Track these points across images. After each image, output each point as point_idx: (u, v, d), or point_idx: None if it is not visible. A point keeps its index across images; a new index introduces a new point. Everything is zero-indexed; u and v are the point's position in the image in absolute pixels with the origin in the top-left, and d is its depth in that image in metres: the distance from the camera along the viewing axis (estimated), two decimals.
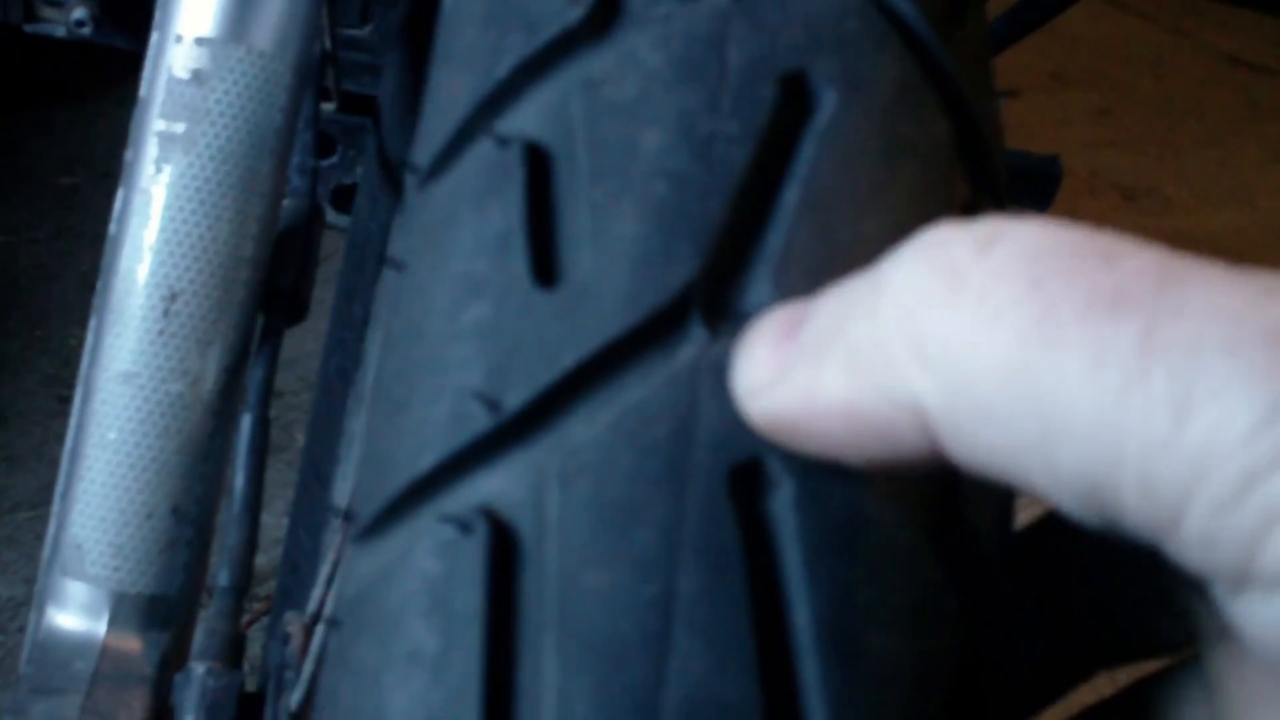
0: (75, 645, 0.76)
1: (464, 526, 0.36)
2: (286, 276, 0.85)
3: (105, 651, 0.77)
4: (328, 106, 1.27)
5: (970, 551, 0.38)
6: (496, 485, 0.36)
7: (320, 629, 0.79)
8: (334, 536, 1.15)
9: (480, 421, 0.37)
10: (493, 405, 0.37)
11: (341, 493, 1.18)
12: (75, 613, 0.77)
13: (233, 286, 0.78)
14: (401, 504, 0.37)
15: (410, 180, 0.44)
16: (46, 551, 0.79)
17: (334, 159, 1.42)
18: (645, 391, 0.36)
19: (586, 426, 0.36)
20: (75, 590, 0.77)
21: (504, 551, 0.35)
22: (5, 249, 2.30)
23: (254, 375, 0.83)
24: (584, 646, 0.34)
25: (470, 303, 0.38)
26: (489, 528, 0.36)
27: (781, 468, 0.36)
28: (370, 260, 1.16)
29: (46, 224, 2.33)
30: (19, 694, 0.73)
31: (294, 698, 0.75)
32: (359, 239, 1.18)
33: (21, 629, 1.64)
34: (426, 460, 0.37)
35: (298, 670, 0.78)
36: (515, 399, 0.37)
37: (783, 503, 0.36)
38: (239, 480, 0.83)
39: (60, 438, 0.81)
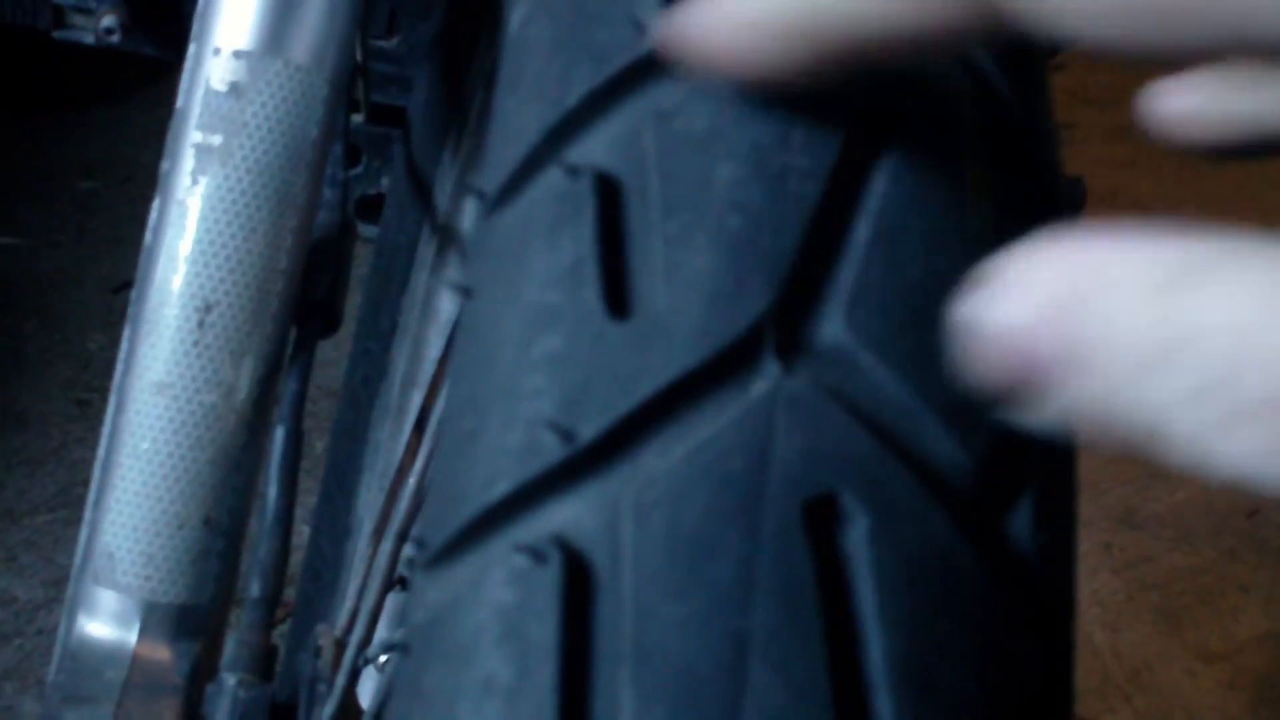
0: (106, 654, 0.77)
1: (538, 556, 0.36)
2: (320, 288, 0.86)
3: (136, 661, 0.77)
4: (356, 118, 1.28)
5: (1036, 586, 0.38)
6: (570, 516, 0.37)
7: (352, 642, 0.79)
8: (358, 548, 1.15)
9: (554, 451, 0.37)
10: (566, 435, 0.37)
11: (365, 503, 1.19)
12: (106, 621, 0.77)
13: (267, 298, 0.78)
14: (473, 532, 0.38)
15: (478, 207, 0.44)
16: (78, 560, 0.79)
17: (359, 169, 1.42)
18: (719, 424, 0.36)
19: (661, 459, 0.36)
20: (106, 599, 0.77)
21: (578, 582, 0.36)
22: (25, 253, 2.30)
23: (287, 387, 0.84)
24: (659, 679, 0.34)
25: (542, 333, 0.39)
26: (563, 558, 0.36)
27: (856, 502, 0.36)
28: (398, 271, 1.17)
29: (67, 228, 2.34)
30: (50, 702, 0.73)
31: (326, 711, 0.75)
32: (386, 250, 1.18)
33: (40, 632, 1.64)
34: (499, 489, 0.37)
35: (330, 683, 0.78)
36: (589, 429, 0.37)
37: (857, 537, 0.36)
38: (271, 492, 0.83)
39: (79, 441, 0.81)
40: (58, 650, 0.79)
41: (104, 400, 0.79)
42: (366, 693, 0.90)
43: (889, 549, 0.36)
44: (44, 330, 2.13)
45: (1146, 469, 2.16)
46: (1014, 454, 0.39)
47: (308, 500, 1.24)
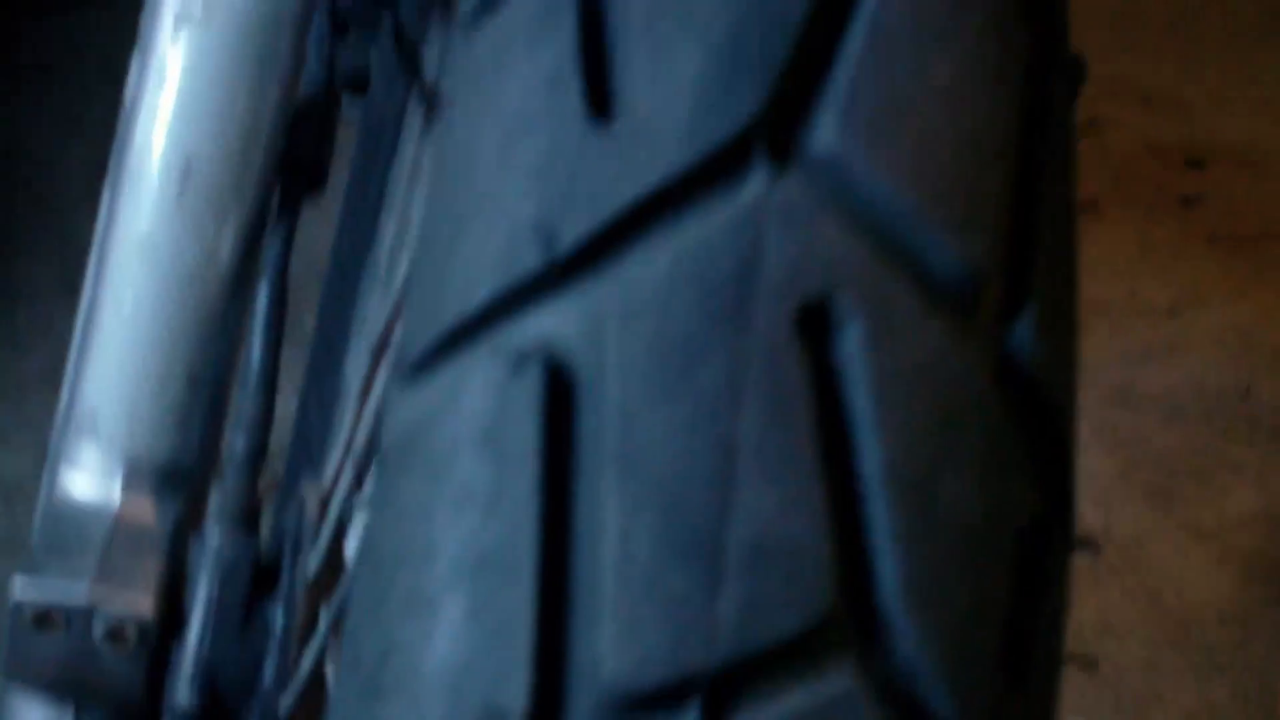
0: (89, 509, 0.76)
1: (518, 364, 0.35)
2: (305, 146, 0.84)
3: (119, 516, 0.76)
4: None
5: (1037, 398, 0.37)
6: (552, 323, 0.35)
7: (337, 498, 0.78)
8: (346, 413, 1.14)
9: (535, 257, 0.36)
10: (548, 241, 0.35)
11: (353, 371, 1.18)
12: (89, 477, 0.76)
13: (251, 155, 0.76)
14: (452, 341, 0.36)
15: (459, 20, 0.42)
16: (60, 415, 0.78)
17: (345, 40, 1.40)
18: (707, 230, 0.35)
19: (646, 265, 0.35)
20: (89, 455, 0.76)
21: (560, 389, 0.34)
22: (10, 129, 2.27)
23: (271, 245, 0.82)
24: (645, 486, 0.33)
25: (523, 138, 0.37)
26: (544, 365, 0.35)
27: (850, 308, 0.35)
28: (385, 140, 1.15)
29: (53, 106, 2.31)
30: (32, 555, 0.72)
31: (311, 564, 0.74)
32: (373, 120, 1.16)
33: (28, 508, 1.63)
34: (478, 296, 0.36)
35: (314, 537, 0.77)
36: (571, 235, 0.35)
37: (851, 343, 0.34)
38: (255, 348, 0.81)
39: (67, 320, 0.80)
40: (40, 506, 0.78)
41: None
42: (352, 548, 0.90)
43: (884, 355, 0.34)
44: (30, 209, 2.10)
45: (1141, 349, 2.16)
46: (1015, 262, 0.37)
47: (298, 376, 1.22)
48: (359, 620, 0.37)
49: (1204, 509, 1.90)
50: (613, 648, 0.33)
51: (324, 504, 0.80)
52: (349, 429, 0.86)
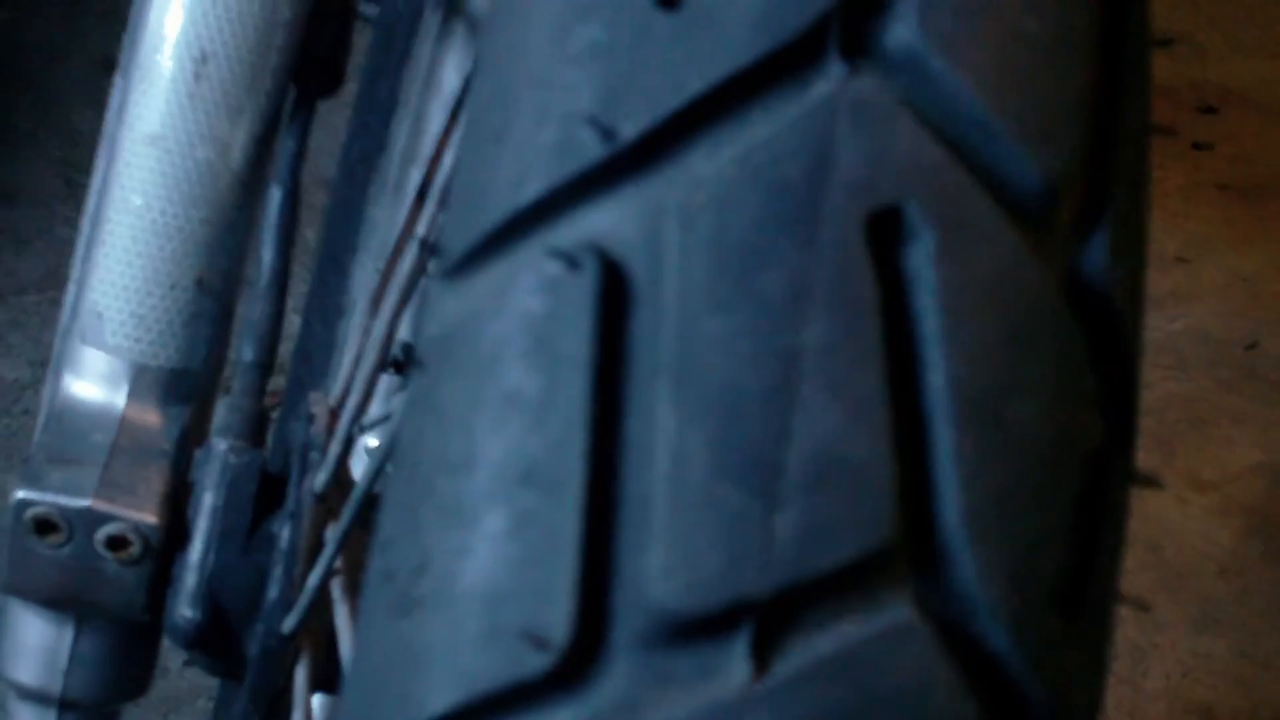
0: (93, 416, 0.74)
1: (571, 262, 0.33)
2: (322, 45, 0.81)
3: (124, 424, 0.74)
4: None
5: (1108, 322, 0.35)
6: (608, 221, 0.33)
7: (347, 409, 0.77)
8: (352, 325, 1.13)
9: (592, 150, 0.33)
10: (606, 133, 0.33)
11: (360, 283, 1.16)
12: (93, 383, 0.75)
13: (267, 51, 0.74)
14: (500, 237, 0.34)
15: None
16: (64, 318, 0.76)
17: None
18: (776, 127, 0.33)
19: (709, 161, 0.33)
20: (94, 360, 0.74)
21: (614, 291, 0.32)
22: (12, 26, 2.24)
23: (285, 146, 0.80)
24: (701, 396, 0.31)
25: (582, 21, 0.35)
26: (599, 264, 0.33)
27: (922, 217, 0.33)
28: (399, 42, 1.12)
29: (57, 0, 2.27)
30: (34, 463, 0.70)
31: (318, 479, 0.73)
32: (387, 18, 1.14)
33: (27, 412, 1.62)
34: (530, 190, 0.34)
35: (323, 451, 0.75)
36: (632, 127, 0.33)
37: (922, 255, 0.33)
38: (266, 254, 0.79)
39: (68, 220, 0.78)
40: (43, 411, 0.76)
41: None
42: (358, 466, 0.88)
43: (956, 269, 0.33)
44: (33, 107, 2.07)
45: (1148, 297, 2.14)
46: (1092, 178, 0.35)
47: (303, 289, 1.20)
48: (392, 529, 0.35)
49: (1205, 460, 1.89)
50: (662, 569, 0.31)
51: (333, 417, 0.78)
52: (357, 344, 0.85)
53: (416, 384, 0.35)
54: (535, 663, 0.31)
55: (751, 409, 0.31)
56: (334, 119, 1.17)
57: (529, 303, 0.33)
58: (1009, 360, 0.33)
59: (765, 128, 0.33)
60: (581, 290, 0.32)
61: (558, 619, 0.31)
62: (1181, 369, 2.05)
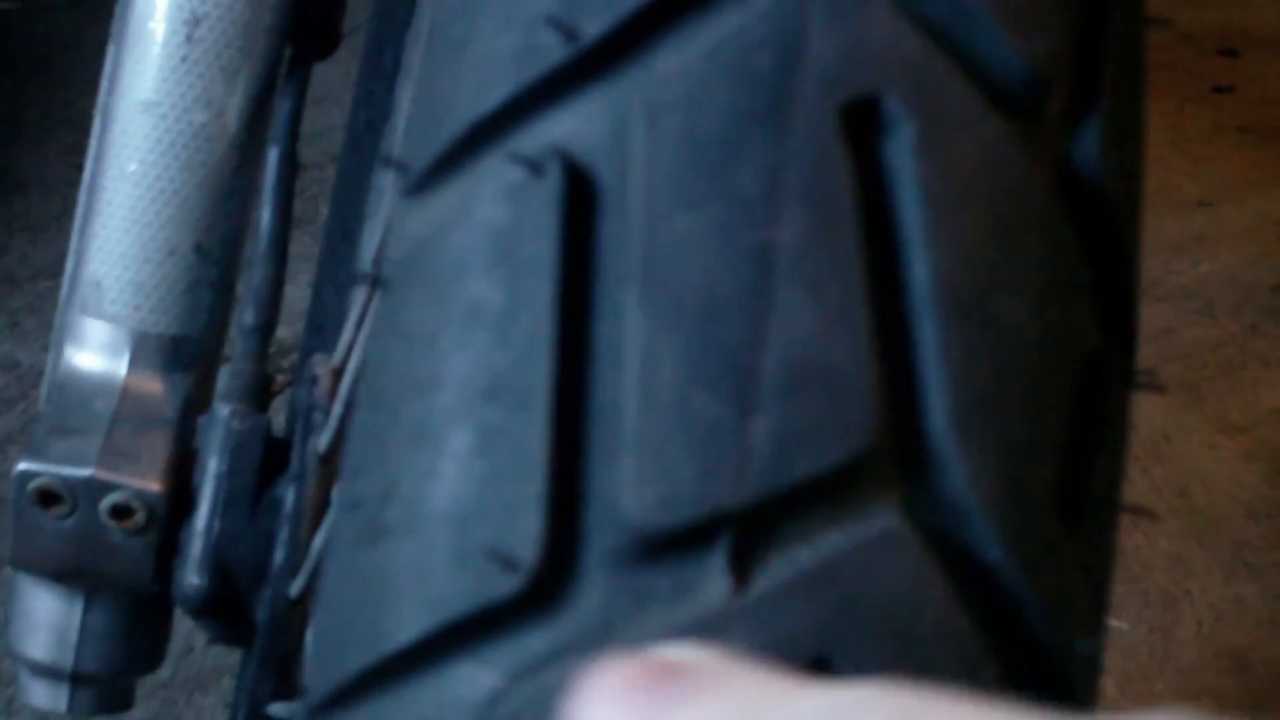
0: (95, 385, 0.73)
1: (534, 168, 0.31)
2: (317, 3, 0.80)
3: (126, 392, 0.73)
4: None
5: (1102, 216, 0.33)
6: (572, 124, 0.32)
7: (350, 373, 0.76)
8: (360, 294, 1.11)
9: (554, 52, 0.32)
10: (568, 33, 0.32)
11: (368, 250, 1.15)
12: (95, 352, 0.74)
13: (260, 12, 0.73)
14: (462, 148, 0.33)
15: None
16: (65, 289, 0.75)
17: None
18: (744, 17, 0.31)
19: (676, 56, 0.31)
20: (94, 329, 0.74)
21: (580, 196, 0.31)
22: (21, 17, 2.24)
23: (281, 108, 0.79)
24: (672, 300, 0.30)
25: None
26: (563, 169, 0.31)
27: (901, 107, 0.31)
28: (401, 7, 1.11)
29: None
30: (37, 433, 0.69)
31: (322, 440, 0.72)
32: None
33: None
34: (492, 98, 0.32)
35: (326, 412, 0.74)
36: (594, 26, 0.32)
37: (901, 146, 0.31)
38: (265, 216, 0.78)
39: None
40: (45, 382, 0.75)
41: None
42: None
43: (937, 160, 0.31)
44: (43, 95, 2.08)
45: (1172, 241, 2.12)
46: (1082, 66, 0.34)
47: (314, 266, 1.20)
48: (359, 457, 0.34)
49: (1233, 404, 1.87)
50: (634, 483, 0.30)
51: (336, 379, 0.77)
52: (362, 306, 0.83)
53: (381, 307, 0.34)
54: (504, 585, 0.30)
55: (724, 311, 0.30)
56: (346, 96, 1.16)
57: (492, 212, 0.32)
58: (996, 255, 0.31)
59: (735, 18, 0.31)
60: (545, 196, 0.31)
61: (526, 538, 0.30)
62: (1208, 313, 2.02)
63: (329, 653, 0.33)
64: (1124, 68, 0.35)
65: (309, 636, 0.69)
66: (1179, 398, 1.85)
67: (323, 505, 0.69)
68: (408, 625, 0.31)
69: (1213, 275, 2.09)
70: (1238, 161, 2.32)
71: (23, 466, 0.67)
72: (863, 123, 0.31)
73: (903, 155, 0.31)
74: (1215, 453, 1.78)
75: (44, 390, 0.74)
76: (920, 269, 0.30)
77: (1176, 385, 1.85)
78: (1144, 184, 0.35)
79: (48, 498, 0.67)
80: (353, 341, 0.79)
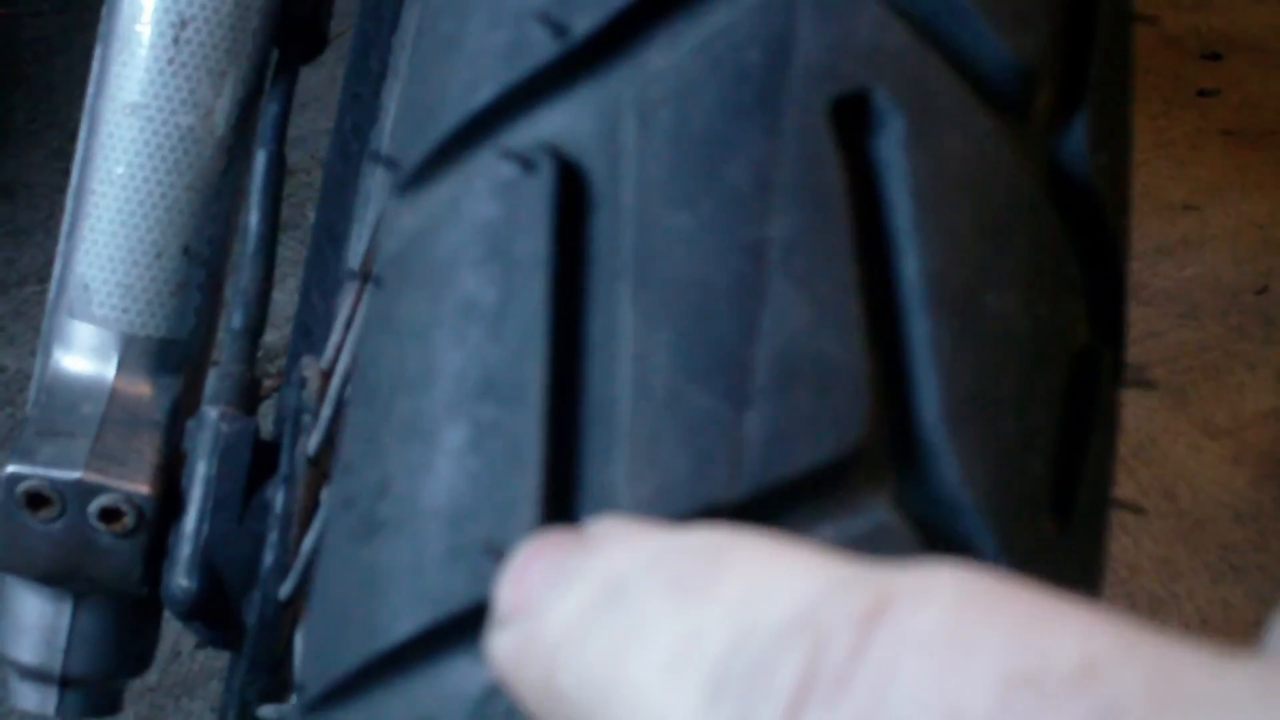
0: (83, 388, 0.73)
1: (526, 164, 0.31)
2: (303, 6, 0.80)
3: (114, 395, 0.73)
4: None
5: (1091, 211, 0.33)
6: (563, 120, 0.32)
7: (338, 371, 0.76)
8: (348, 295, 1.11)
9: (544, 48, 0.32)
10: (559, 29, 0.32)
11: (356, 253, 1.15)
12: (83, 355, 0.74)
13: (247, 14, 0.73)
14: (454, 145, 0.33)
15: None
16: (52, 292, 0.75)
17: None
18: (735, 13, 0.32)
19: (667, 52, 0.32)
20: (82, 332, 0.73)
21: (571, 192, 0.31)
22: (8, 22, 2.23)
23: (269, 110, 0.79)
24: (665, 295, 0.30)
25: None
26: (555, 165, 0.31)
27: (890, 102, 0.31)
28: (388, 10, 1.11)
29: None
30: (25, 436, 0.69)
31: (311, 443, 0.72)
32: None
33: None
34: (483, 94, 0.32)
35: (315, 415, 0.74)
36: (584, 22, 0.32)
37: (891, 141, 0.31)
38: (253, 218, 0.78)
39: None
40: (33, 385, 0.75)
41: None
42: None
43: (927, 156, 0.31)
44: (29, 100, 2.08)
45: (1157, 245, 2.12)
46: (1070, 63, 0.34)
47: (302, 270, 1.20)
48: (353, 454, 0.34)
49: (1218, 407, 1.87)
50: (627, 477, 0.30)
51: (325, 380, 0.77)
52: (350, 308, 0.83)
53: (374, 304, 0.34)
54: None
55: (717, 306, 0.30)
56: (331, 100, 1.16)
57: (484, 209, 0.32)
58: (986, 250, 0.31)
59: (724, 14, 0.32)
60: (537, 192, 0.31)
61: (521, 533, 0.30)
62: (1193, 316, 2.03)
63: (324, 649, 0.33)
64: (1112, 64, 0.35)
65: (299, 636, 0.69)
66: (1164, 400, 1.85)
67: (312, 507, 0.69)
68: (403, 621, 0.31)
69: (1198, 278, 2.10)
70: (1222, 165, 2.32)
71: (11, 469, 0.67)
72: (852, 118, 0.31)
73: (892, 150, 0.31)
74: (1201, 456, 1.78)
75: (32, 393, 0.74)
76: (910, 263, 0.31)
77: (1162, 388, 1.86)
78: (1132, 180, 0.36)
79: (36, 500, 0.67)
80: (341, 343, 0.80)
